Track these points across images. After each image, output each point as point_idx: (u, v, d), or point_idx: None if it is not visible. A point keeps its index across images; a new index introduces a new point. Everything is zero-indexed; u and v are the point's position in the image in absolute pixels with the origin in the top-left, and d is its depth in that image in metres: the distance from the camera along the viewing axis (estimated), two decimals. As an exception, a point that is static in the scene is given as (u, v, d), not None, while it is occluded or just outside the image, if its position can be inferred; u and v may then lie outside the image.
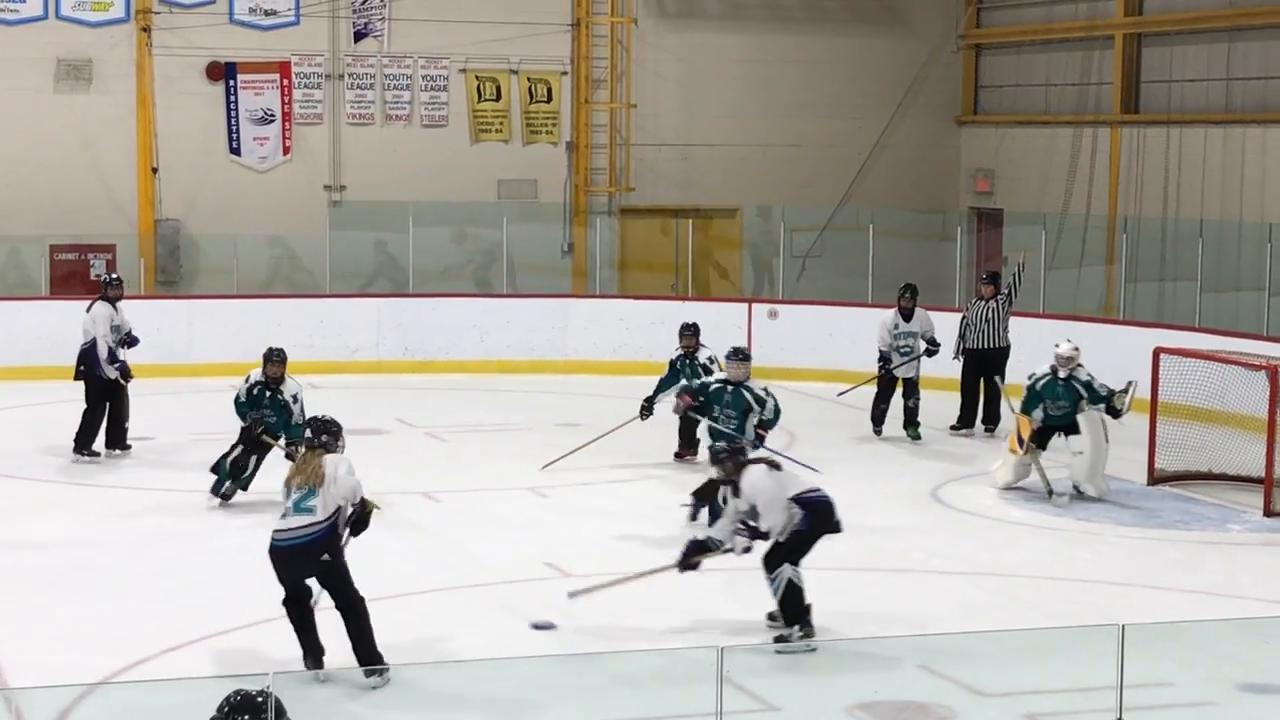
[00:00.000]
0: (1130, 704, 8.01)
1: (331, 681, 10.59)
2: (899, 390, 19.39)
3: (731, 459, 12.00)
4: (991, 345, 19.65)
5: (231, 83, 25.54)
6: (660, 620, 12.51)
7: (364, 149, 26.14)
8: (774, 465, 12.12)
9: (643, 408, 17.46)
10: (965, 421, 19.72)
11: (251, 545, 14.43)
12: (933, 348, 19.36)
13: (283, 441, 15.46)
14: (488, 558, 14.11)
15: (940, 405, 19.72)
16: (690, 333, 18.11)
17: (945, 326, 20.00)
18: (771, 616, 11.95)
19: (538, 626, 11.90)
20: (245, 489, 15.80)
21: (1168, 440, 17.29)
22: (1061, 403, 16.40)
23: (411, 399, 22.03)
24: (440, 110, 26.48)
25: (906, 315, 19.47)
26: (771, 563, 11.74)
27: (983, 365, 19.57)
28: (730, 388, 15.21)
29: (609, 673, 10.58)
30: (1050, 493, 16.35)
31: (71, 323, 22.78)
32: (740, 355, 15.45)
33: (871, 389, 19.68)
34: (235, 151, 25.67)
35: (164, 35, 25.14)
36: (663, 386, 17.66)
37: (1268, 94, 23.84)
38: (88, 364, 17.53)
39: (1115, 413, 16.32)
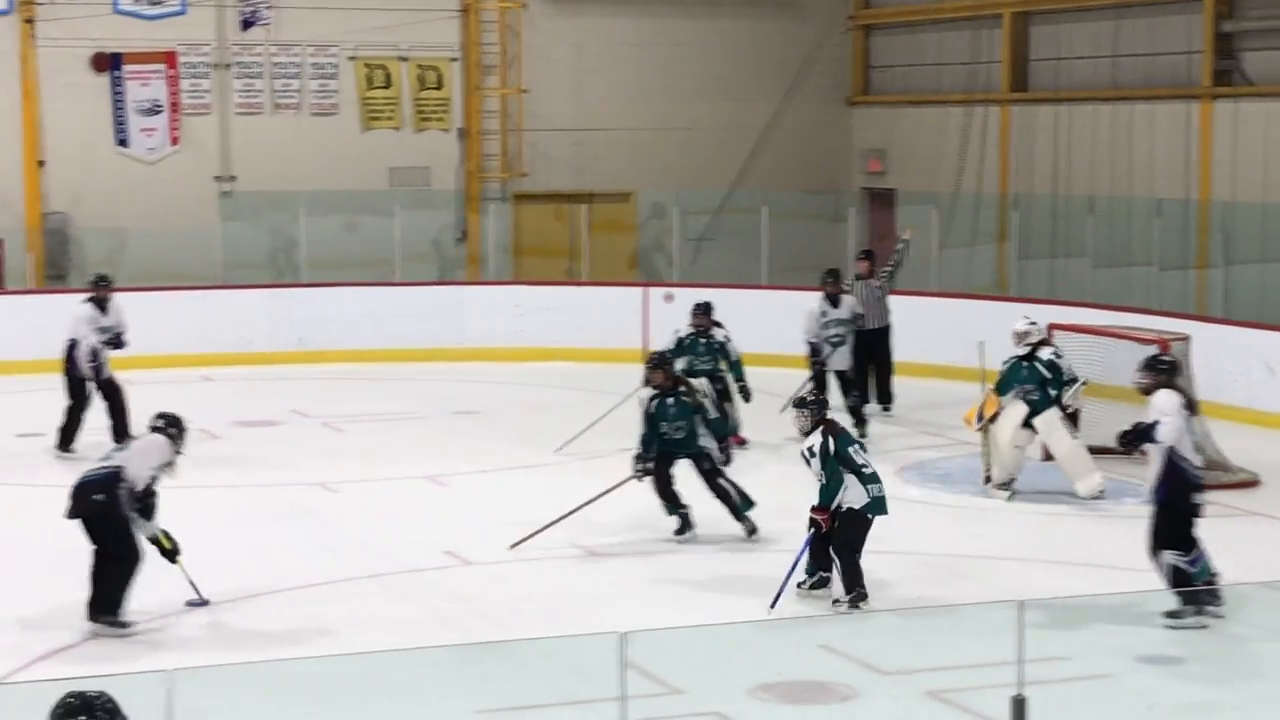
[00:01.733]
0: (1030, 678, 8.06)
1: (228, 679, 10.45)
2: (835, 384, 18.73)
3: (1169, 372, 12.02)
4: (873, 325, 19.50)
5: (117, 73, 25.22)
6: (561, 606, 12.49)
7: (254, 139, 25.89)
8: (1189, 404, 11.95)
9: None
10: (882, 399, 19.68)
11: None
12: (847, 333, 18.70)
13: None
14: (386, 547, 14.02)
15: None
16: (702, 311, 17.61)
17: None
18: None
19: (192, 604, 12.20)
20: None
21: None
22: (1028, 386, 15.89)
23: (307, 390, 21.86)
24: (330, 98, 26.27)
25: (834, 301, 18.82)
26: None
27: (870, 346, 19.42)
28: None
29: (510, 660, 10.53)
30: (987, 479, 16.04)
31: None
32: (800, 404, 13.13)
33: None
34: (123, 143, 25.35)
35: (48, 26, 24.78)
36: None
37: (1154, 70, 24.10)
38: (70, 362, 17.54)
39: (1070, 382, 16.05)
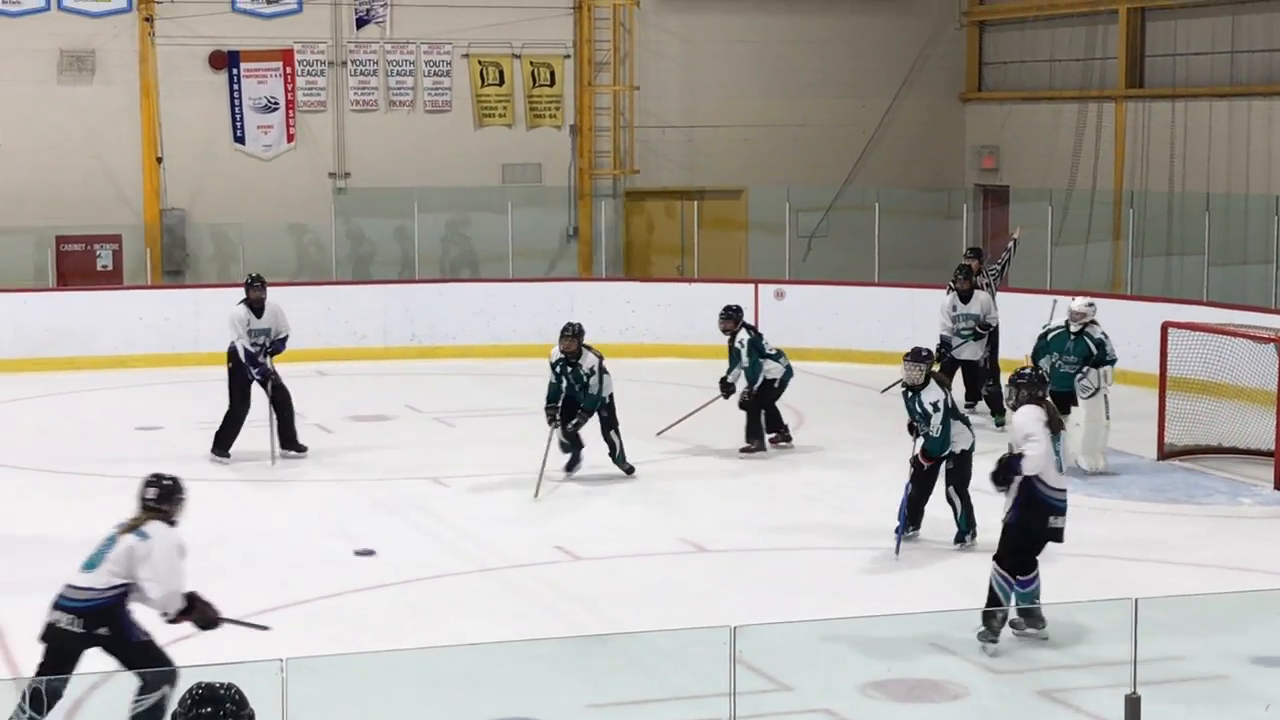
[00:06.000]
0: (1144, 678, 7.99)
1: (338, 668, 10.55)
2: (958, 376, 18.76)
3: (1029, 387, 11.44)
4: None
5: (235, 71, 25.52)
6: (671, 600, 12.52)
7: (368, 135, 26.11)
8: (1052, 421, 11.30)
9: (721, 388, 17.60)
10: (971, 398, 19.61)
11: (264, 532, 14.47)
12: (982, 330, 18.89)
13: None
14: (497, 542, 14.10)
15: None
16: (728, 315, 17.76)
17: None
18: (1013, 624, 11.23)
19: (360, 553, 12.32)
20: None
21: (1177, 414, 17.24)
22: (1070, 357, 16.34)
23: (419, 385, 22.03)
24: (443, 95, 26.44)
25: (965, 297, 18.86)
26: (995, 558, 11.43)
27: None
28: (909, 394, 13.77)
29: (620, 654, 10.56)
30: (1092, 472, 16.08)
31: (77, 314, 22.95)
32: (918, 356, 13.75)
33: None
34: (239, 140, 25.65)
35: (166, 24, 25.11)
36: (731, 367, 17.60)
37: (1273, 66, 23.77)
38: (234, 362, 17.18)
39: (1110, 363, 16.35)
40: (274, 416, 17.10)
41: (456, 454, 17.79)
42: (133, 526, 9.22)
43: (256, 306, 17.25)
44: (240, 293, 17.57)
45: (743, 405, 17.40)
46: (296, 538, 14.37)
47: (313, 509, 15.43)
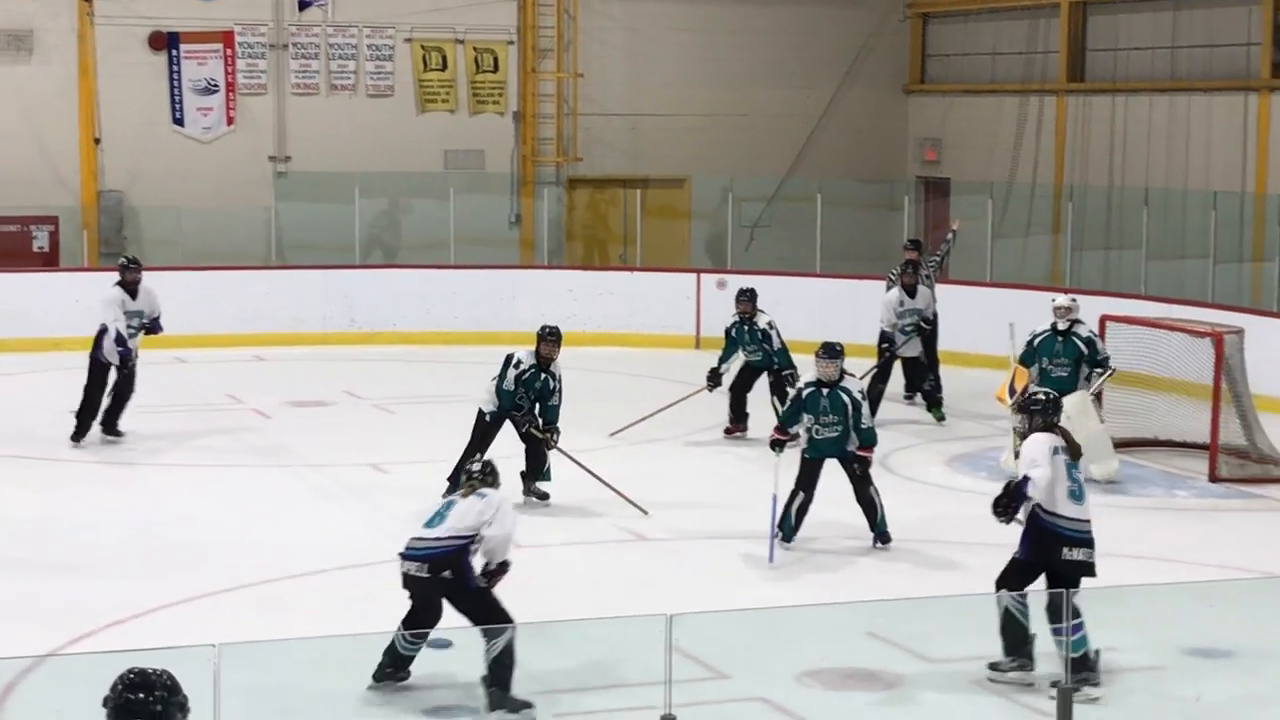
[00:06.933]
0: (1077, 670, 8.02)
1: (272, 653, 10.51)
2: (896, 371, 18.94)
3: (1042, 413, 10.67)
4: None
5: (174, 52, 25.34)
6: (609, 588, 12.51)
7: (309, 119, 25.98)
8: (1068, 447, 10.63)
9: (709, 379, 17.48)
10: (910, 389, 19.68)
11: (204, 518, 14.39)
12: (925, 325, 18.95)
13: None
14: (435, 529, 14.03)
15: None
16: (746, 298, 17.60)
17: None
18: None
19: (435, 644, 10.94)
20: None
21: (1115, 407, 17.34)
22: (1061, 359, 15.99)
23: (359, 371, 21.94)
24: (386, 80, 26.33)
25: (911, 292, 18.83)
26: (995, 582, 10.67)
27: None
28: (825, 390, 13.55)
29: (556, 642, 10.55)
30: (1016, 455, 16.00)
31: (12, 296, 22.73)
32: (832, 352, 13.58)
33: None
34: (179, 122, 25.47)
35: (105, 4, 24.91)
36: (725, 356, 17.63)
37: (1212, 62, 23.93)
38: (96, 346, 17.13)
39: (1102, 365, 16.03)
40: (112, 399, 17.06)
41: (396, 441, 17.73)
42: (468, 493, 10.31)
43: (131, 289, 17.23)
44: (176, 276, 17.57)
45: (776, 388, 17.20)
46: (233, 523, 14.29)
47: (250, 495, 15.35)
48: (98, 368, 17.04)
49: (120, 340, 16.98)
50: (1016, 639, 10.26)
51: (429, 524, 10.25)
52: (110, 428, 17.23)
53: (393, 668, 10.07)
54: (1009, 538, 14.08)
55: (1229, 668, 10.32)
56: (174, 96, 25.39)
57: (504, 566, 10.21)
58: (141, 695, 5.48)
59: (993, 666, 10.35)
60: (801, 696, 10.09)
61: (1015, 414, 11.07)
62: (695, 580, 12.80)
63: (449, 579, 10.09)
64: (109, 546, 13.50)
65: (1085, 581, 10.32)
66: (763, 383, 17.69)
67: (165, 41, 25.26)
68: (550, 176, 27.14)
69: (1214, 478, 16.04)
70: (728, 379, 17.72)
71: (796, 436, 13.72)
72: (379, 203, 25.99)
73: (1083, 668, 10.01)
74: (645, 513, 14.25)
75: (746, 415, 17.73)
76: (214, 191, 25.33)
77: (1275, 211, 22.35)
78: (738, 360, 17.68)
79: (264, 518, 14.50)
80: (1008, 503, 10.46)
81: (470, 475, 10.50)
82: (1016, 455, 15.55)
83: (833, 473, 13.62)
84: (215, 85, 25.54)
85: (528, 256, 26.68)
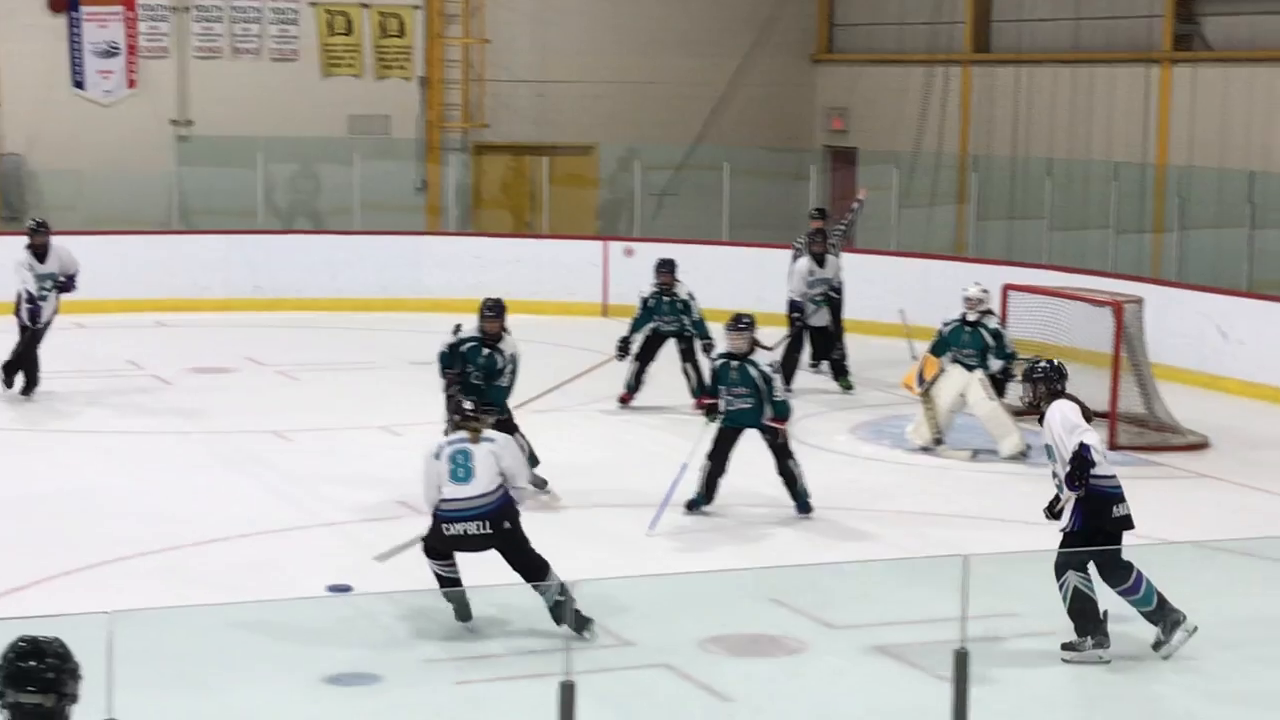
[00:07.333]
0: (973, 634, 8.10)
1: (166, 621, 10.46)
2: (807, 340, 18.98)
3: (1045, 383, 10.68)
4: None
5: (75, 15, 25.01)
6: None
7: (212, 83, 25.71)
8: (1085, 413, 10.54)
9: (619, 348, 17.40)
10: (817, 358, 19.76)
11: (103, 485, 14.26)
12: (834, 294, 19.01)
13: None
14: (340, 496, 14.00)
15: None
16: (667, 269, 17.58)
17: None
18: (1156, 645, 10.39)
19: (334, 589, 11.31)
20: None
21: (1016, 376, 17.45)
22: (968, 350, 15.98)
23: (262, 337, 21.80)
24: (290, 44, 26.11)
25: (820, 261, 18.84)
26: (1057, 566, 10.30)
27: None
28: (735, 363, 13.57)
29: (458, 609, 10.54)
30: (938, 442, 16.05)
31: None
32: (740, 324, 13.60)
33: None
34: (79, 85, 25.16)
35: (5, -35, 24.57)
36: (636, 325, 17.54)
37: (1115, 33, 24.12)
38: (16, 308, 17.46)
39: (1007, 375, 15.91)
40: (18, 350, 17.33)
41: (299, 407, 17.64)
42: (474, 437, 10.37)
43: (40, 251, 17.36)
44: (77, 240, 17.60)
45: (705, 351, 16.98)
46: (134, 490, 14.18)
47: (151, 461, 15.24)
48: (22, 329, 17.34)
49: (30, 299, 17.19)
50: (1090, 617, 10.17)
51: (459, 479, 10.24)
52: (7, 382, 17.49)
53: (460, 605, 10.34)
54: (916, 504, 14.22)
55: (1127, 632, 10.43)
56: (74, 59, 25.07)
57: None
58: (33, 663, 5.45)
59: (1067, 647, 10.24)
60: (704, 662, 10.13)
61: (1022, 383, 11.03)
62: (601, 547, 12.82)
63: (509, 529, 10.28)
64: (3, 514, 13.36)
65: (979, 547, 10.40)
66: (668, 351, 17.71)
67: (66, 4, 24.93)
68: (456, 143, 27.02)
69: (1113, 446, 16.18)
70: (635, 349, 17.72)
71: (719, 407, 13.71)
72: (283, 168, 25.79)
73: (1160, 616, 10.25)
74: (547, 491, 14.11)
75: (642, 384, 17.72)
76: (115, 155, 25.04)
77: (1175, 183, 22.59)
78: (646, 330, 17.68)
79: (165, 484, 14.39)
80: (1080, 473, 10.22)
81: (467, 416, 10.58)
82: (939, 441, 15.90)
83: (754, 443, 13.65)
84: (116, 48, 25.24)
85: (434, 223, 26.57)
